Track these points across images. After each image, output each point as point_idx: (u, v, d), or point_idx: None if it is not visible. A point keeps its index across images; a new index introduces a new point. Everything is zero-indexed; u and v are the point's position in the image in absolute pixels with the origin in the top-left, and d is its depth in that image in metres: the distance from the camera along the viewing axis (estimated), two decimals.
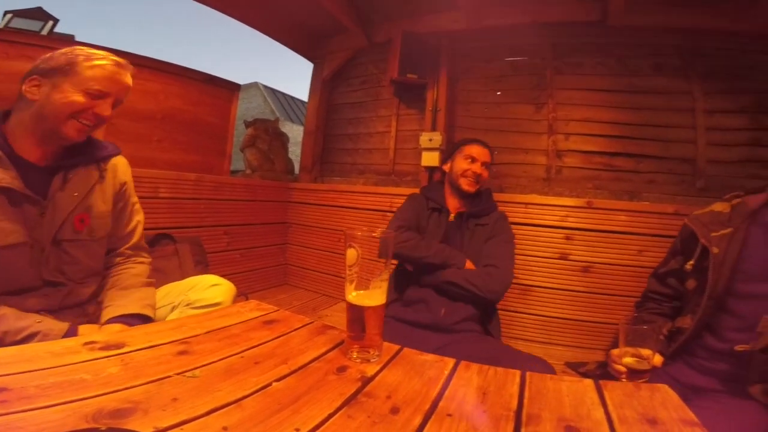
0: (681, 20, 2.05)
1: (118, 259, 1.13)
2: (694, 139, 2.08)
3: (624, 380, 0.93)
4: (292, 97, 15.82)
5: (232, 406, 0.50)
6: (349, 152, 2.96)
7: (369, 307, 0.66)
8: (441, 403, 0.55)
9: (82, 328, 0.94)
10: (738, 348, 0.90)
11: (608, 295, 1.87)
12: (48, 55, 0.92)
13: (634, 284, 1.79)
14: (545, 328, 1.94)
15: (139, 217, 1.17)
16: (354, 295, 0.67)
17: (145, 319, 0.99)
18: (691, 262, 1.04)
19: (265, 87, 14.65)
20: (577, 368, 1.53)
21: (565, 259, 1.94)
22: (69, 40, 2.75)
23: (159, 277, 1.24)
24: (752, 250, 0.95)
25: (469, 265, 1.39)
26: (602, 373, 1.36)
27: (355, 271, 0.66)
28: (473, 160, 1.50)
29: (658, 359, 1.05)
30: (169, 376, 0.55)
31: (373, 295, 0.67)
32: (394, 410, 0.52)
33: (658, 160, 2.16)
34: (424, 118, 2.58)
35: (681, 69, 2.15)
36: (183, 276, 1.70)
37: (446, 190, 1.58)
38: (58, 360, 0.56)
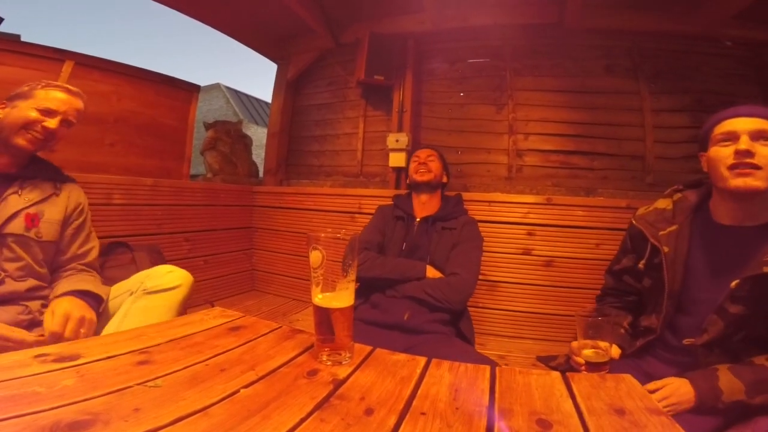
0: (631, 23, 2.19)
1: (71, 271, 1.13)
2: (643, 137, 2.23)
3: (584, 371, 0.95)
4: (257, 99, 15.42)
5: (199, 414, 0.48)
6: (315, 154, 2.92)
7: (337, 309, 0.66)
8: (415, 402, 0.54)
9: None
10: (685, 342, 0.94)
11: (570, 288, 1.95)
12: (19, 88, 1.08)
13: (593, 276, 1.86)
14: (514, 322, 1.99)
15: (95, 243, 1.22)
16: (320, 298, 0.66)
17: (97, 299, 1.02)
18: (643, 261, 1.05)
19: (228, 88, 14.21)
20: (548, 362, 1.57)
21: (529, 255, 2.00)
22: (15, 40, 2.55)
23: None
24: (698, 248, 0.98)
25: (431, 271, 1.41)
26: (571, 366, 1.41)
27: (320, 273, 0.65)
28: (416, 158, 1.66)
29: (615, 351, 1.06)
30: (130, 387, 0.53)
31: (341, 297, 0.66)
32: (369, 411, 0.51)
33: (611, 157, 2.28)
34: (391, 119, 2.59)
35: (631, 70, 2.29)
36: None
37: (413, 197, 1.66)
38: (7, 373, 0.53)
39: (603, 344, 0.93)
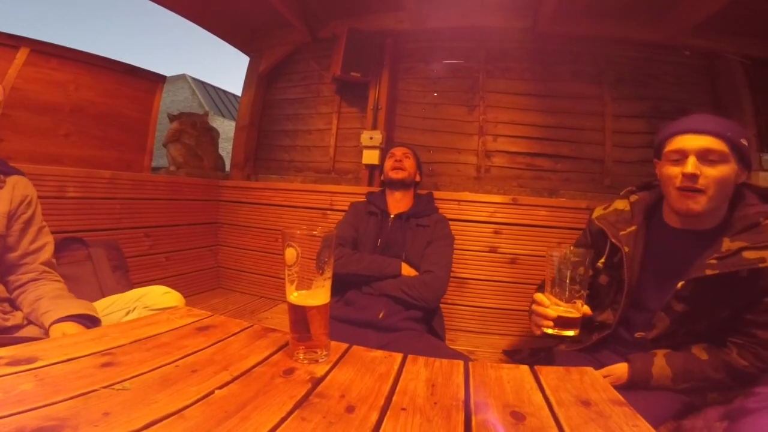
0: (599, 30, 2.29)
1: (31, 275, 1.07)
2: (603, 141, 2.35)
3: (548, 332, 0.86)
4: (224, 91, 14.83)
5: (173, 417, 0.46)
6: (285, 149, 2.87)
7: (313, 307, 0.65)
8: (395, 398, 0.55)
9: None
10: (636, 335, 1.01)
11: (533, 284, 2.00)
12: None
13: None
14: (481, 318, 2.05)
15: (48, 239, 1.15)
16: (296, 296, 0.65)
17: (95, 321, 0.97)
18: (602, 260, 1.09)
19: (194, 79, 13.59)
20: (512, 356, 1.64)
21: (495, 252, 2.06)
22: None
23: (71, 284, 1.15)
24: (652, 248, 1.04)
25: (405, 268, 1.43)
26: (535, 360, 1.46)
27: (295, 270, 0.64)
28: (392, 155, 1.69)
29: (586, 308, 0.93)
30: (96, 390, 0.50)
31: (316, 295, 0.65)
32: (350, 409, 0.51)
33: (573, 160, 2.39)
34: (365, 117, 2.58)
35: (595, 75, 2.41)
36: (99, 282, 1.55)
37: (387, 193, 1.68)
38: None
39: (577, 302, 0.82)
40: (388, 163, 1.67)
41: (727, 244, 0.89)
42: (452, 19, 2.39)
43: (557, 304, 0.85)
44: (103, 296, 1.36)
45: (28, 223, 1.09)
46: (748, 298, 0.88)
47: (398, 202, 1.63)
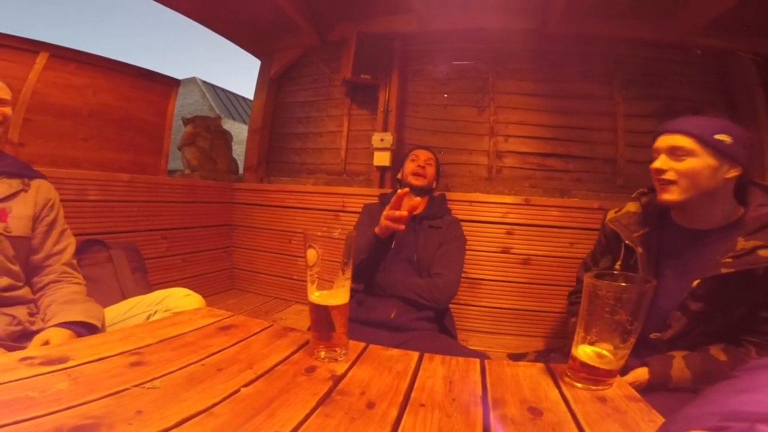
0: (609, 30, 2.28)
1: (52, 276, 1.09)
2: (615, 141, 2.33)
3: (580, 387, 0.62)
4: (234, 94, 14.99)
5: (203, 415, 0.48)
6: (297, 151, 2.90)
7: (333, 307, 0.67)
8: (413, 395, 0.57)
9: None
10: (652, 336, 1.02)
11: (545, 284, 2.03)
12: None
13: (567, 274, 1.95)
14: (493, 318, 2.05)
15: (71, 240, 1.17)
16: (317, 295, 0.67)
17: (91, 329, 0.96)
18: (619, 263, 1.11)
19: (204, 82, 13.77)
20: (518, 360, 1.64)
21: (507, 253, 2.07)
22: None
23: (93, 286, 1.20)
24: (665, 249, 1.05)
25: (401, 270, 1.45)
26: (544, 361, 1.46)
27: (315, 271, 0.66)
28: (415, 158, 1.65)
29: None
30: (127, 389, 0.52)
31: (337, 295, 0.67)
32: (370, 405, 0.53)
33: (585, 160, 2.38)
34: (375, 119, 2.60)
35: (605, 76, 2.39)
36: (120, 284, 1.59)
37: None
38: None
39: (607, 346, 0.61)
40: (410, 166, 1.63)
41: (741, 243, 0.90)
42: (460, 21, 2.39)
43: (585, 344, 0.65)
44: (124, 298, 1.40)
45: (52, 225, 1.12)
46: (763, 296, 0.89)
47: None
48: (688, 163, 0.93)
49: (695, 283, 0.93)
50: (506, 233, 2.07)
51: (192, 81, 13.50)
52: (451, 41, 2.55)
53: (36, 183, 1.11)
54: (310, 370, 0.63)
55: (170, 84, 2.43)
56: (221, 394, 0.53)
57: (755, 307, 0.91)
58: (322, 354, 0.68)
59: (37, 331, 0.98)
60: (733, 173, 0.92)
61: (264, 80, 2.89)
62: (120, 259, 1.64)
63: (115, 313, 1.12)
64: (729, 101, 2.30)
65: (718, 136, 0.90)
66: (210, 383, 0.56)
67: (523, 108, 2.46)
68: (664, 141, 0.97)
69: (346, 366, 0.66)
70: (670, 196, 0.96)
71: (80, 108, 1.99)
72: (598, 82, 2.39)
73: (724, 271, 0.89)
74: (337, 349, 0.69)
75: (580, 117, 2.39)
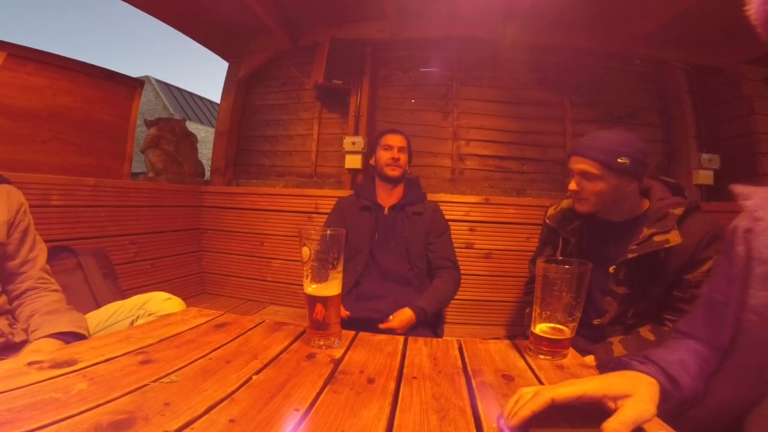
0: (563, 40, 2.48)
1: (29, 282, 1.06)
2: (564, 144, 2.56)
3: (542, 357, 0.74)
4: (190, 94, 14.37)
5: (227, 401, 0.52)
6: (266, 154, 2.91)
7: (328, 297, 0.75)
8: (405, 370, 0.67)
9: None
10: (595, 322, 1.19)
11: (506, 276, 2.20)
12: None
13: (524, 266, 2.09)
14: (462, 310, 2.20)
15: (42, 246, 1.15)
16: (313, 288, 0.75)
17: (79, 338, 0.95)
18: (558, 252, 1.28)
19: (158, 81, 13.10)
20: None
21: (471, 248, 2.23)
22: None
23: (64, 293, 1.14)
24: (592, 239, 1.23)
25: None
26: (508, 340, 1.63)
27: (309, 266, 0.74)
28: (389, 147, 1.60)
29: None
30: (147, 384, 0.55)
31: (330, 286, 0.75)
32: (371, 381, 0.62)
33: (538, 162, 2.60)
34: (346, 122, 2.67)
35: (557, 83, 2.61)
36: (93, 290, 1.57)
37: (377, 184, 1.64)
38: (8, 383, 0.52)
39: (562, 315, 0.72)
40: (384, 156, 1.58)
41: (644, 232, 1.08)
42: (429, 30, 2.52)
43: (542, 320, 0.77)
44: (98, 305, 1.37)
45: (26, 231, 1.09)
46: (672, 275, 1.06)
47: (390, 193, 1.61)
48: (596, 186, 1.10)
49: (611, 268, 1.11)
50: (469, 230, 2.23)
51: (145, 80, 12.84)
52: (420, 48, 2.68)
53: (4, 188, 1.07)
54: (311, 356, 0.71)
55: (133, 85, 2.37)
56: (236, 383, 0.58)
57: (669, 285, 1.09)
58: (321, 342, 0.76)
59: (21, 343, 0.97)
60: (633, 185, 1.11)
61: (232, 83, 2.88)
62: (90, 266, 1.61)
63: (97, 320, 1.12)
64: (662, 107, 2.59)
65: (620, 160, 1.06)
66: (223, 374, 0.61)
67: (483, 113, 2.63)
68: (576, 164, 1.12)
69: (342, 351, 0.74)
70: (584, 207, 1.16)
71: (39, 110, 1.90)
72: (550, 90, 2.61)
73: (630, 256, 1.07)
74: (331, 337, 0.77)
75: (534, 122, 2.60)
